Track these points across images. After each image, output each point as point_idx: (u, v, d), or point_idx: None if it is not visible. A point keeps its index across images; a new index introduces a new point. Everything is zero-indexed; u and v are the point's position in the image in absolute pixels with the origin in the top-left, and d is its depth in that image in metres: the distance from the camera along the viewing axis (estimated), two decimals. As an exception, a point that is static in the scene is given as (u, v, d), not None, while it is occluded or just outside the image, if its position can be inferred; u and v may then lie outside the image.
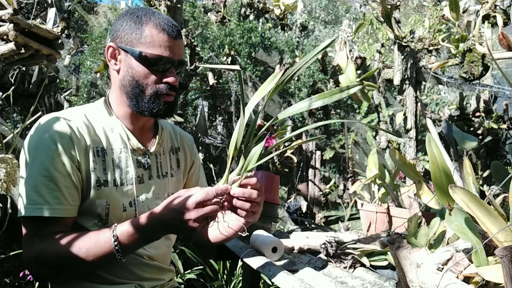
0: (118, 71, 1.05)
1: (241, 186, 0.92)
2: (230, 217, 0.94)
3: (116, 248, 0.89)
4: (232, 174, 0.93)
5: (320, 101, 0.87)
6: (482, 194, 2.70)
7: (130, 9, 1.06)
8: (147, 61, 1.00)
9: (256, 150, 0.91)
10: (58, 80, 4.47)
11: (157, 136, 1.15)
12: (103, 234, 0.91)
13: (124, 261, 1.00)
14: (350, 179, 6.69)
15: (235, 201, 0.91)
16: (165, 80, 1.02)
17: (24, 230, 0.97)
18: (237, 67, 0.80)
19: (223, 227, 0.89)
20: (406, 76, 3.16)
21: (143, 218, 0.90)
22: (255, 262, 1.31)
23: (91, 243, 0.90)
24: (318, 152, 6.10)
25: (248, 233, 0.95)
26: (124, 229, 0.91)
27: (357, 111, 8.07)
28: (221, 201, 0.89)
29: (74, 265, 0.91)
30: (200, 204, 0.85)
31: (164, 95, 1.03)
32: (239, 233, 0.98)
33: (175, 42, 1.03)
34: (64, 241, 0.91)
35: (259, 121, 4.12)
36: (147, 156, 1.11)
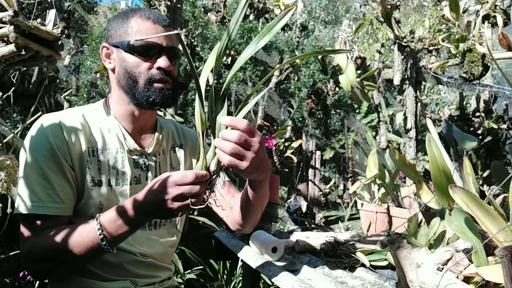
0: (113, 70, 1.06)
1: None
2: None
3: (101, 236, 0.88)
4: (210, 153, 0.87)
5: (265, 38, 0.85)
6: (482, 194, 2.70)
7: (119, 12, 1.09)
8: (136, 50, 1.01)
9: (222, 113, 0.87)
10: (58, 80, 4.47)
11: (155, 136, 1.15)
12: (89, 224, 0.91)
13: (118, 259, 1.00)
14: (350, 179, 6.68)
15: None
16: (156, 65, 1.02)
17: (20, 228, 0.97)
18: (176, 31, 0.79)
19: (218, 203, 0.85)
20: (406, 76, 3.15)
21: (126, 203, 0.89)
22: (255, 262, 1.31)
23: (77, 234, 0.90)
24: (318, 152, 6.09)
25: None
26: (108, 216, 0.89)
27: (357, 111, 8.07)
28: (207, 184, 0.85)
29: (63, 258, 0.91)
30: (179, 184, 0.82)
31: (157, 80, 1.02)
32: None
33: (163, 30, 1.04)
34: (52, 234, 0.92)
35: (259, 121, 4.11)
36: (144, 157, 1.11)
